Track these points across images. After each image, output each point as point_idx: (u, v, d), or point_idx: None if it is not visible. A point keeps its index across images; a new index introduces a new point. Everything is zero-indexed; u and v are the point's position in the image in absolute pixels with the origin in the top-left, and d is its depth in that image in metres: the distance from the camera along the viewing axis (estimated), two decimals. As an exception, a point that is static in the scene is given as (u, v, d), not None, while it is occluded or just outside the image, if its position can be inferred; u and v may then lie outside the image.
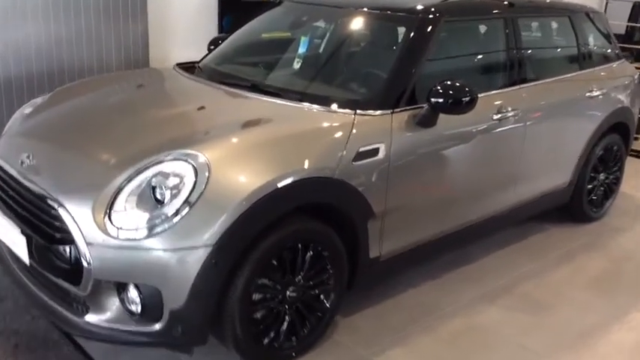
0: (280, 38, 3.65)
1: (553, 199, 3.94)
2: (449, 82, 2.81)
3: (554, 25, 4.06)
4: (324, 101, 2.80)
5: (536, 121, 3.50)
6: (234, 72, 3.31)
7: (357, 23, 3.40)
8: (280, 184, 2.34)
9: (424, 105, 2.83)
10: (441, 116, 2.86)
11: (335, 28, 3.52)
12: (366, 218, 2.71)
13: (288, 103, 2.81)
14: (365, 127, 2.69)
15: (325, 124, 2.65)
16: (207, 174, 2.25)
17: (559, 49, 4.09)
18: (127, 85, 3.35)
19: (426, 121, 2.86)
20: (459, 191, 3.19)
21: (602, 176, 4.28)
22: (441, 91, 2.78)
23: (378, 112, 2.76)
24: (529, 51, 3.65)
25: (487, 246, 3.76)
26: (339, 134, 2.61)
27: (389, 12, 3.24)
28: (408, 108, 2.85)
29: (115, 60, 4.36)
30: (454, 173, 3.13)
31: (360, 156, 2.62)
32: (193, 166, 2.26)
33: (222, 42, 3.77)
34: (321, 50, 3.45)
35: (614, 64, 4.34)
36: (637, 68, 4.73)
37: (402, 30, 3.14)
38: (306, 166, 2.44)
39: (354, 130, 2.63)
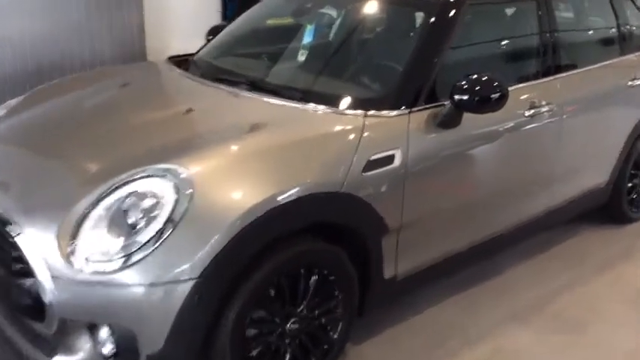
0: (283, 27, 3.28)
1: (591, 200, 3.55)
2: (475, 77, 2.43)
3: (592, 5, 3.64)
4: (331, 101, 2.44)
5: (573, 115, 3.11)
6: (231, 67, 2.95)
7: (370, 9, 3.00)
8: (280, 201, 2.00)
9: (446, 102, 2.46)
10: (466, 114, 2.49)
11: (344, 15, 3.14)
12: (380, 235, 2.36)
13: (290, 104, 2.45)
14: (378, 130, 2.33)
15: (331, 129, 2.29)
16: (190, 192, 1.91)
17: (597, 33, 3.66)
18: (110, 83, 2.98)
19: (449, 122, 2.48)
20: (486, 198, 2.82)
21: (643, 173, 3.87)
22: (465, 86, 2.41)
23: (394, 112, 2.39)
24: (564, 36, 3.23)
25: (516, 254, 3.37)
26: (347, 140, 2.25)
27: (406, -5, 2.86)
28: (428, 106, 2.47)
29: (109, 53, 4.04)
30: (481, 178, 2.76)
31: (372, 165, 2.26)
32: (174, 183, 1.93)
33: (222, 31, 3.42)
34: (328, 40, 3.08)
35: (658, 48, 3.90)
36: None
37: (420, 16, 2.76)
38: (308, 180, 2.09)
39: (365, 135, 2.27)
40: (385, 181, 2.31)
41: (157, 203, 1.90)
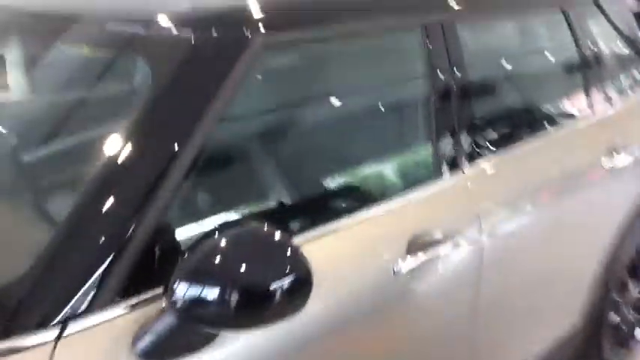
0: None
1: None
2: (227, 239, 0.96)
3: (537, 30, 2.16)
4: None
5: (502, 244, 1.63)
6: None
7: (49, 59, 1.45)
8: None
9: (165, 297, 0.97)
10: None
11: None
12: None
13: None
14: None
15: None
16: None
17: (549, 80, 2.14)
18: None
19: (170, 349, 0.98)
20: None
21: (636, 292, 2.38)
22: (200, 265, 0.94)
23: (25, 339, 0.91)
24: (485, 90, 1.75)
25: None
26: None
27: (120, 31, 1.30)
28: (119, 312, 0.98)
29: None
30: None
31: None
32: None
33: None
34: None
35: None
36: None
37: (145, 74, 1.25)
38: None
39: None
40: None
41: None
